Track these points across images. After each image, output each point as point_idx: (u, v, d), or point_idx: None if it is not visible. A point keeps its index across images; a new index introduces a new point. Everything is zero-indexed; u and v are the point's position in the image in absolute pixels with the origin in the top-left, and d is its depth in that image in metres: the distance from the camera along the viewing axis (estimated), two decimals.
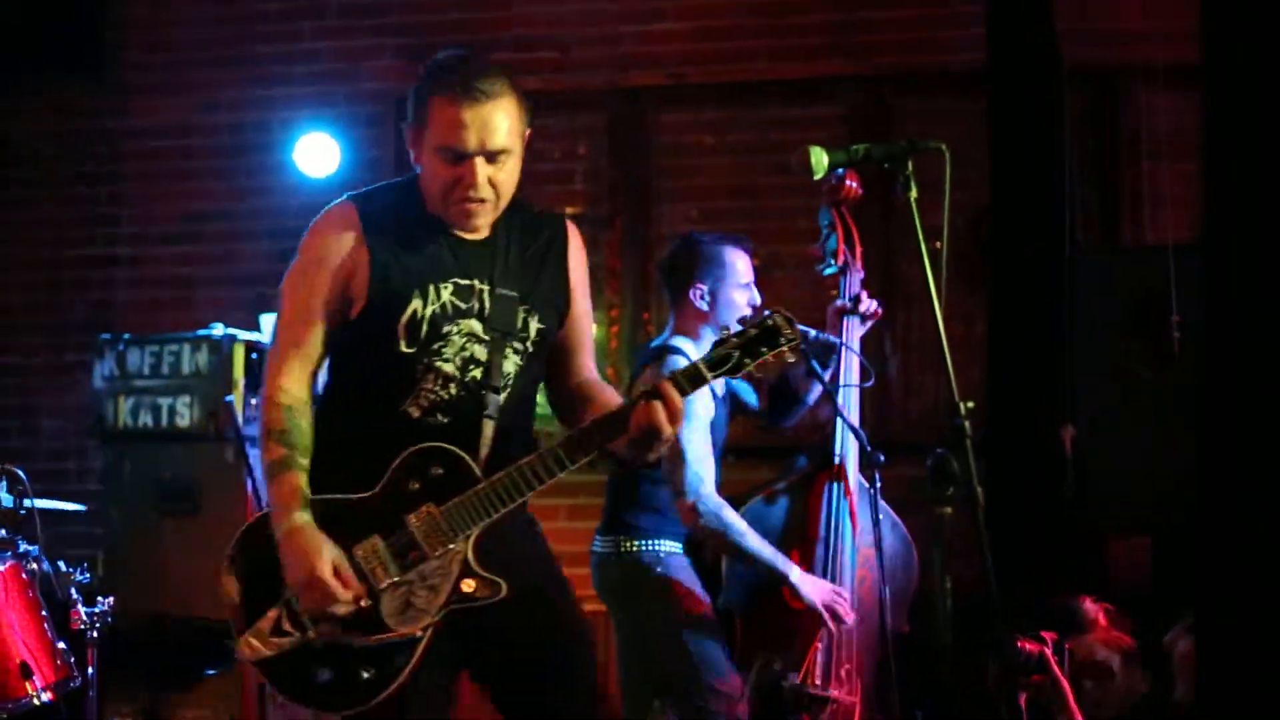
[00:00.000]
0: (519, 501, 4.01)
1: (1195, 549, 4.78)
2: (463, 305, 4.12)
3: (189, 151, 9.57)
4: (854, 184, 6.07)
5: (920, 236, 3.66)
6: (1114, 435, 6.91)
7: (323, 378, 4.28)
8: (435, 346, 4.09)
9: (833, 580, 5.66)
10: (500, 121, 4.06)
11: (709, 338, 5.79)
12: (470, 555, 4.00)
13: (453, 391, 4.09)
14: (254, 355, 7.95)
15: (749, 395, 6.17)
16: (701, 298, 5.88)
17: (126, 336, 8.11)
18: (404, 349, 4.07)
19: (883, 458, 5.39)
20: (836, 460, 5.80)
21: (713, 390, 5.70)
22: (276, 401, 4.11)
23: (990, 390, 7.49)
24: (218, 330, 7.92)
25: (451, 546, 3.98)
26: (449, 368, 4.08)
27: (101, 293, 9.54)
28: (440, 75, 4.16)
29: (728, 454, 5.98)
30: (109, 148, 9.64)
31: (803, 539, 5.77)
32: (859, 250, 6.13)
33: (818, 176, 3.70)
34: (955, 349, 3.79)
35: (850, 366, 5.93)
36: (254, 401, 7.85)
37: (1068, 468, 6.72)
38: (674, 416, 3.90)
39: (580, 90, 9.08)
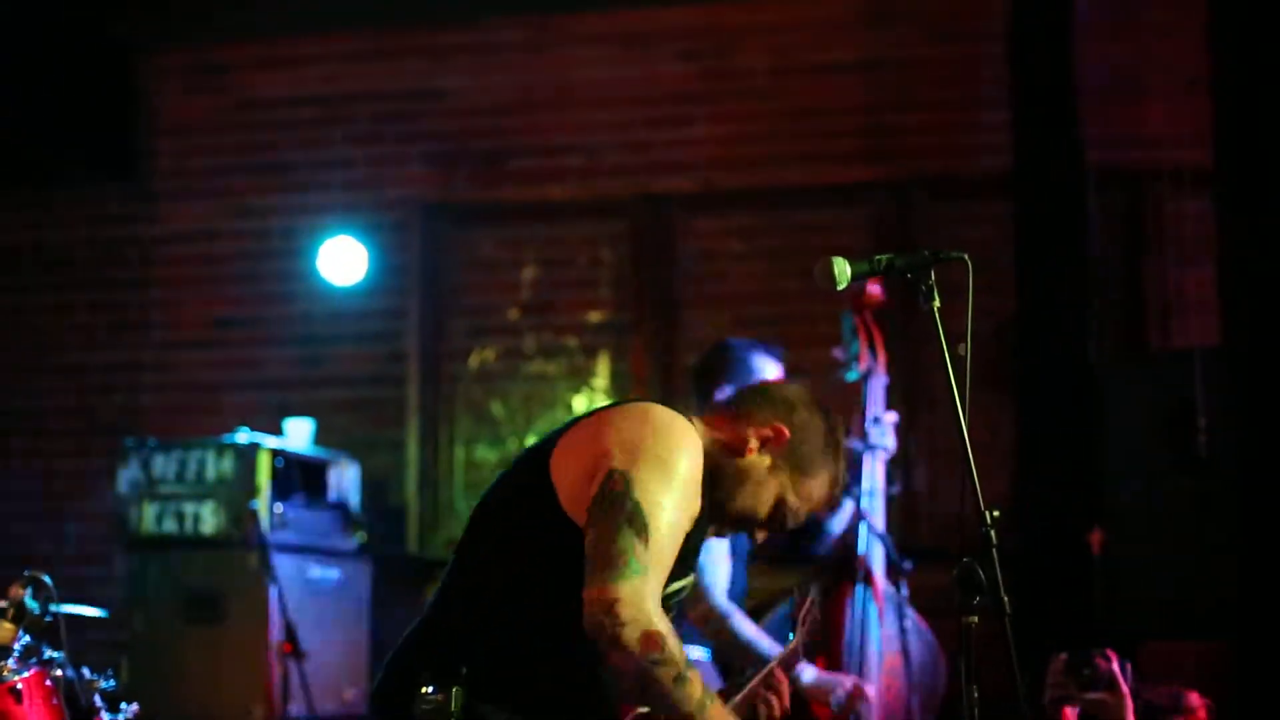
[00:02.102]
0: None
1: (1238, 651, 4.75)
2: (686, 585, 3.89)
3: (216, 257, 9.63)
4: (877, 289, 6.07)
5: (944, 344, 3.64)
6: (1143, 540, 6.88)
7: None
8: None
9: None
10: None
11: None
12: None
13: None
14: (279, 462, 7.94)
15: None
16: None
17: (152, 442, 8.11)
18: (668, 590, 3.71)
19: (910, 565, 5.36)
20: (861, 562, 5.77)
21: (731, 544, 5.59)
22: (667, 633, 3.51)
23: (1019, 497, 7.46)
24: (243, 436, 7.92)
25: None
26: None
27: (128, 397, 9.57)
28: (837, 440, 3.96)
29: (758, 559, 5.94)
30: (138, 252, 9.71)
31: (828, 645, 5.74)
32: (882, 355, 6.12)
33: (840, 287, 3.68)
34: (982, 456, 3.76)
35: (874, 473, 5.90)
36: (280, 510, 7.83)
37: (1096, 572, 6.67)
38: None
39: (606, 197, 9.12)
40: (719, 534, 3.95)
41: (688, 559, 3.72)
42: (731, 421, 3.86)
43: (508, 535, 3.76)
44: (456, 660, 3.62)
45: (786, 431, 3.82)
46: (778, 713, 3.93)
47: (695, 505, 3.68)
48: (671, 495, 3.58)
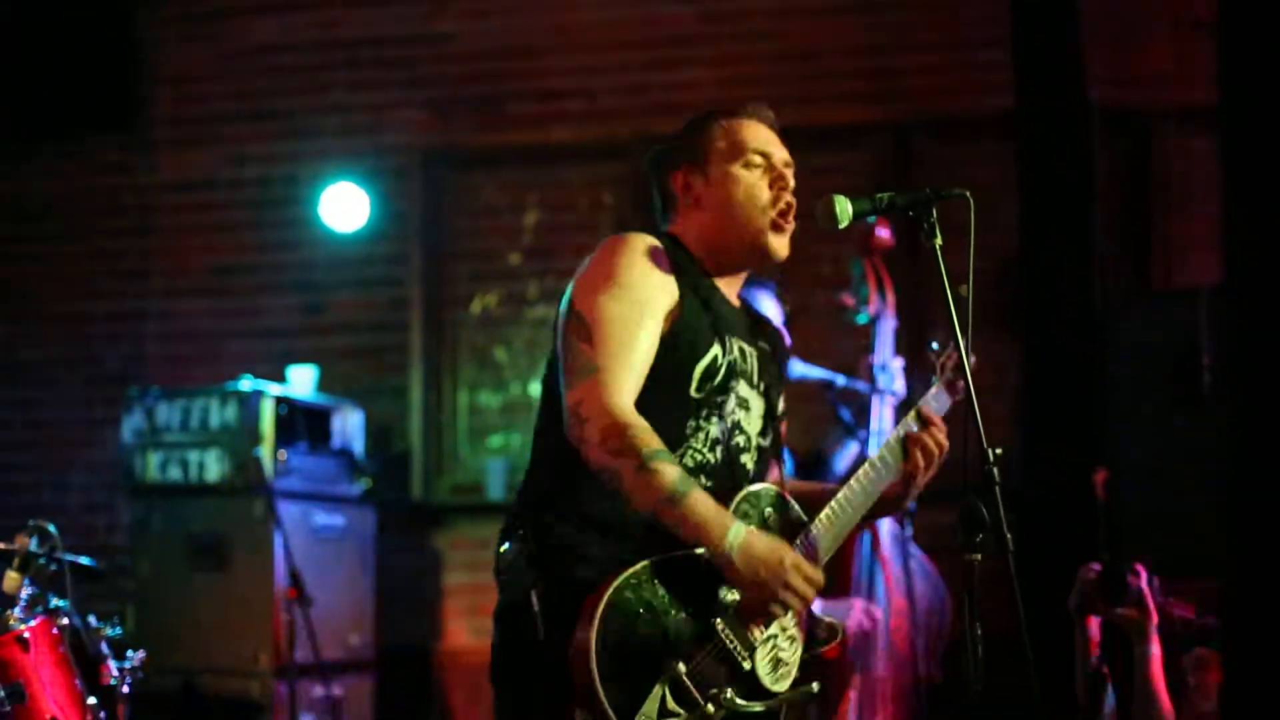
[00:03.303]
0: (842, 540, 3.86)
1: (1224, 586, 4.73)
2: (744, 366, 3.88)
3: (217, 205, 9.61)
4: (885, 233, 6.05)
5: (946, 284, 3.63)
6: (1148, 479, 6.87)
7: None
8: (719, 400, 3.80)
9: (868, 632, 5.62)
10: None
11: None
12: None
13: (717, 456, 3.81)
14: (283, 409, 7.94)
15: None
16: None
17: (155, 390, 8.12)
18: (693, 393, 3.77)
19: (914, 505, 5.34)
20: None
21: None
22: (631, 423, 3.58)
23: (1024, 435, 7.45)
24: (246, 384, 7.92)
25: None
26: (715, 429, 3.80)
27: (130, 347, 9.56)
28: (726, 109, 4.03)
29: None
30: (138, 202, 9.68)
31: (836, 584, 5.74)
32: (890, 298, 6.11)
33: (842, 225, 3.67)
34: (987, 395, 3.76)
35: (882, 417, 5.90)
36: (284, 457, 7.83)
37: (1100, 512, 6.67)
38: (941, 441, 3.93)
39: (607, 140, 9.08)
40: (759, 276, 3.99)
41: (700, 332, 3.80)
42: (672, 215, 4.01)
43: (546, 384, 3.92)
44: (531, 502, 3.82)
45: (688, 161, 3.96)
46: (940, 444, 3.92)
47: (661, 287, 3.77)
48: (611, 291, 3.71)
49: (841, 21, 8.93)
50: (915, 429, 3.92)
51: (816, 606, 5.44)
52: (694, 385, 3.76)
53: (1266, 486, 5.08)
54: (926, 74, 8.80)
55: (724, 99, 8.74)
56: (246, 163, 9.57)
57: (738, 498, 3.74)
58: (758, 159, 3.91)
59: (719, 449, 3.80)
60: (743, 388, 3.86)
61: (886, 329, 6.05)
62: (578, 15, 9.26)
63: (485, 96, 9.36)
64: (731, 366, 3.81)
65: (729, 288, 3.99)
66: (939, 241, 3.70)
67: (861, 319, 6.06)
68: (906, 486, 3.93)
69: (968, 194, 3.70)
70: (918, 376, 4.85)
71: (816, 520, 3.79)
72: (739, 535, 3.54)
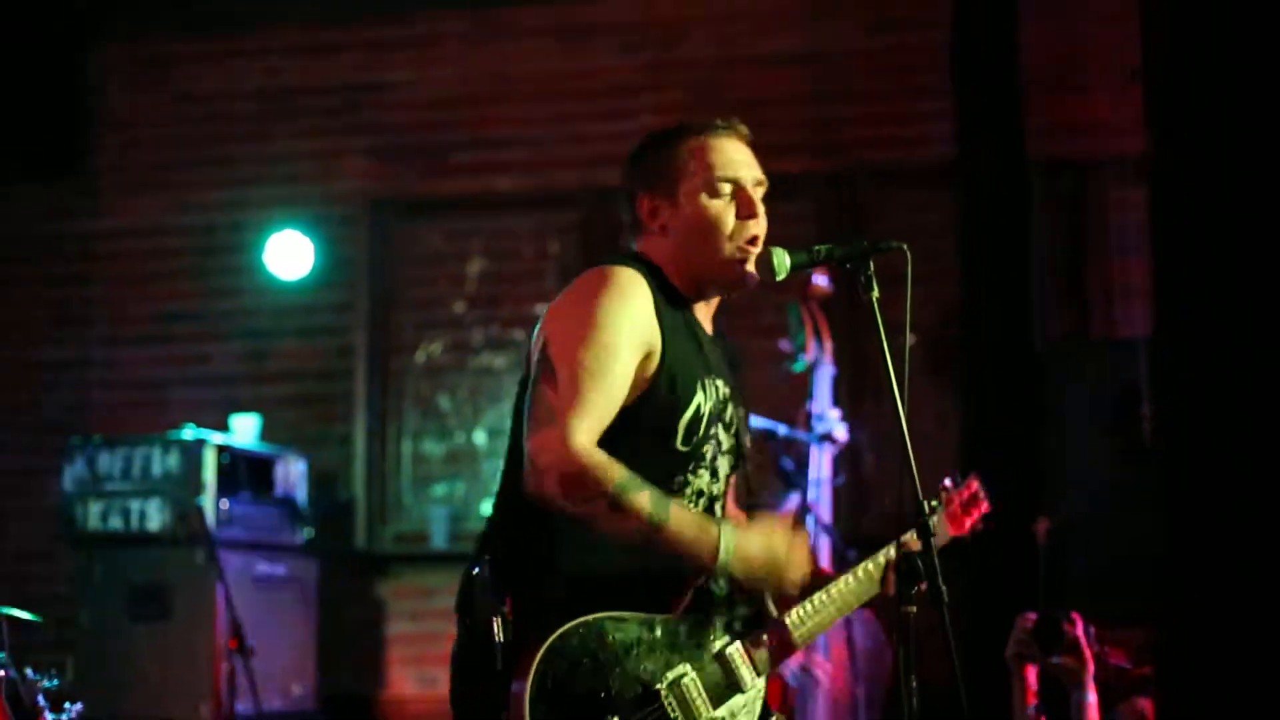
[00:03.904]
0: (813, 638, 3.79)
1: (1160, 633, 4.77)
2: (721, 408, 3.77)
3: (161, 252, 9.58)
4: (823, 280, 6.07)
5: (883, 335, 3.64)
6: (1088, 529, 6.90)
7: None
8: (703, 451, 3.71)
9: (805, 677, 5.62)
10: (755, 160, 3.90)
11: None
12: (766, 694, 3.73)
13: (701, 509, 3.71)
14: (225, 458, 7.91)
15: None
16: None
17: (97, 439, 8.07)
18: (679, 447, 3.66)
19: (853, 554, 5.36)
20: None
21: None
22: (592, 461, 3.46)
23: None
24: (188, 433, 7.89)
25: (761, 681, 3.68)
26: (701, 482, 3.72)
27: (73, 394, 9.51)
28: (696, 124, 3.93)
29: None
30: (81, 248, 9.65)
31: None
32: (829, 345, 6.13)
33: (780, 278, 3.66)
34: (929, 445, 3.79)
35: (821, 464, 5.91)
36: (226, 507, 7.80)
37: (1041, 561, 6.69)
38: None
39: (552, 189, 9.10)
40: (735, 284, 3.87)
41: (685, 380, 3.67)
42: (639, 236, 3.90)
43: (518, 410, 3.73)
44: (498, 544, 3.66)
45: (654, 185, 3.87)
46: None
47: (641, 333, 3.63)
48: (586, 338, 3.56)
49: (784, 72, 8.98)
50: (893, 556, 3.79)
51: None
52: (680, 438, 3.67)
53: (1201, 538, 5.13)
54: (868, 124, 8.85)
55: None
56: (191, 209, 9.55)
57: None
58: (726, 187, 3.81)
59: (702, 502, 3.73)
60: (721, 432, 3.77)
61: (824, 376, 6.07)
62: (522, 65, 9.29)
63: (430, 145, 9.37)
64: (713, 413, 3.72)
65: (705, 314, 3.89)
66: (876, 294, 3.68)
67: (799, 366, 6.08)
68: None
69: (905, 246, 3.70)
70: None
71: (790, 614, 3.71)
72: (729, 547, 3.51)
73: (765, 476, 6.08)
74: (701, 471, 3.72)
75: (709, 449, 3.73)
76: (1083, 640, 4.65)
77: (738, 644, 3.64)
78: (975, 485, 4.17)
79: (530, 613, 3.52)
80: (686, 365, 3.70)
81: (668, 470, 3.65)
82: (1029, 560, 6.74)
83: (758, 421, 6.35)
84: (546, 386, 3.55)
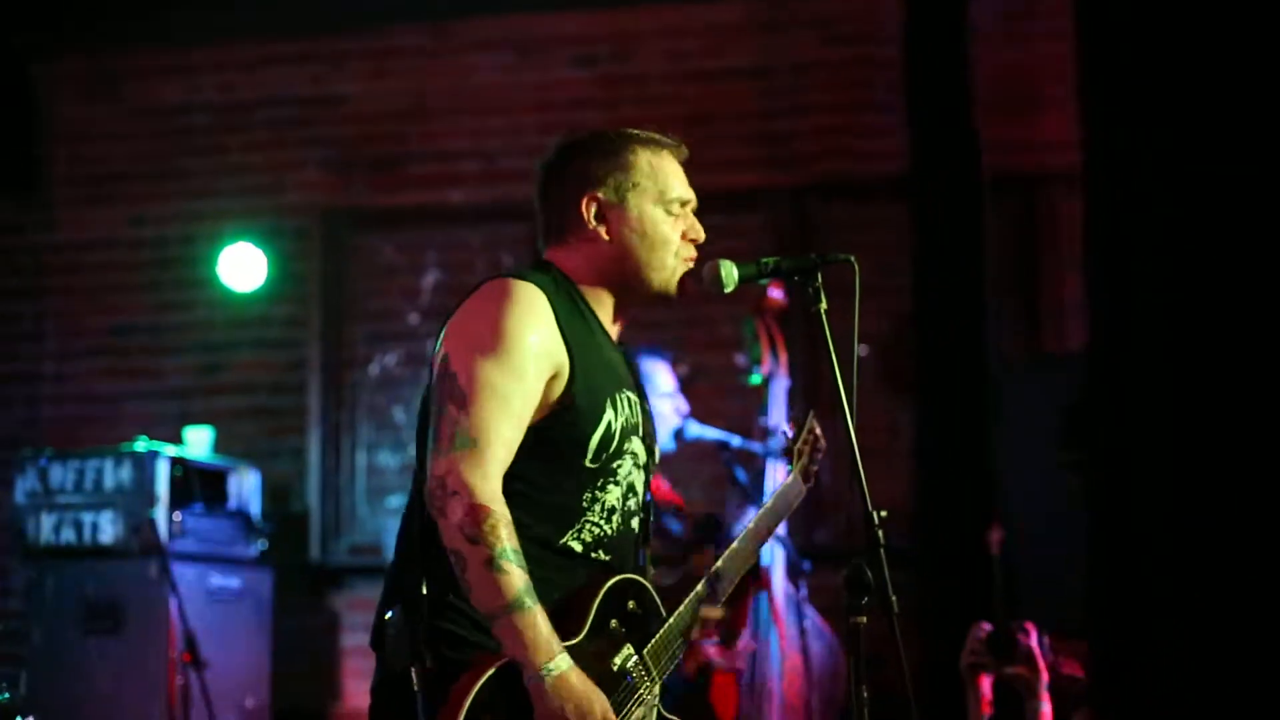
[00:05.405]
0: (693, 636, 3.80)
1: (1090, 640, 4.81)
2: (633, 420, 3.75)
3: (114, 265, 9.55)
4: (778, 294, 6.10)
5: (831, 347, 3.67)
6: (1039, 539, 6.94)
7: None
8: (614, 466, 3.68)
9: (759, 686, 5.65)
10: None
11: None
12: (659, 701, 3.71)
13: (614, 526, 3.70)
14: (178, 470, 7.89)
15: (671, 523, 6.10)
16: None
17: (49, 452, 8.04)
18: (588, 464, 3.62)
19: (808, 566, 5.39)
20: (764, 573, 5.80)
21: None
22: (494, 511, 3.41)
23: (917, 497, 7.52)
24: (141, 445, 7.86)
25: (656, 691, 3.67)
26: (612, 498, 3.68)
27: (25, 408, 9.47)
28: (643, 136, 3.94)
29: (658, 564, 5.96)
30: (33, 261, 9.62)
31: (730, 644, 5.77)
32: (784, 358, 6.15)
33: (728, 290, 3.69)
34: (882, 457, 3.83)
35: (776, 476, 5.93)
36: (179, 519, 7.78)
37: (994, 571, 6.73)
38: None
39: (504, 201, 9.11)
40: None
41: (594, 398, 3.64)
42: (566, 236, 3.84)
43: (421, 427, 3.69)
44: (414, 579, 3.56)
45: (604, 187, 3.83)
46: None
47: (546, 353, 3.58)
48: (490, 354, 3.51)
49: (736, 86, 9.02)
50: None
51: (712, 653, 5.49)
52: (589, 456, 3.62)
53: (1121, 548, 5.19)
54: (821, 138, 8.90)
55: None
56: (144, 222, 9.53)
57: (605, 588, 3.62)
58: (677, 207, 3.84)
59: (615, 518, 3.69)
60: (634, 443, 3.74)
61: (780, 389, 6.09)
62: (474, 78, 9.32)
63: (383, 158, 9.38)
64: (624, 427, 3.69)
65: (615, 325, 3.86)
66: (824, 306, 3.72)
67: (754, 379, 6.10)
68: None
69: (853, 259, 3.73)
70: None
71: (665, 629, 3.72)
72: (560, 667, 3.39)
73: (724, 489, 6.11)
74: (612, 487, 3.68)
75: (622, 464, 3.71)
76: (1036, 650, 4.69)
77: (632, 657, 3.64)
78: (816, 428, 4.24)
79: (448, 666, 3.47)
80: (596, 382, 3.66)
81: (577, 487, 3.63)
82: (982, 570, 6.78)
83: (713, 432, 6.37)
84: (455, 407, 3.49)
